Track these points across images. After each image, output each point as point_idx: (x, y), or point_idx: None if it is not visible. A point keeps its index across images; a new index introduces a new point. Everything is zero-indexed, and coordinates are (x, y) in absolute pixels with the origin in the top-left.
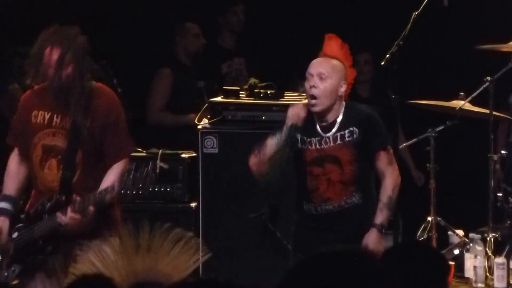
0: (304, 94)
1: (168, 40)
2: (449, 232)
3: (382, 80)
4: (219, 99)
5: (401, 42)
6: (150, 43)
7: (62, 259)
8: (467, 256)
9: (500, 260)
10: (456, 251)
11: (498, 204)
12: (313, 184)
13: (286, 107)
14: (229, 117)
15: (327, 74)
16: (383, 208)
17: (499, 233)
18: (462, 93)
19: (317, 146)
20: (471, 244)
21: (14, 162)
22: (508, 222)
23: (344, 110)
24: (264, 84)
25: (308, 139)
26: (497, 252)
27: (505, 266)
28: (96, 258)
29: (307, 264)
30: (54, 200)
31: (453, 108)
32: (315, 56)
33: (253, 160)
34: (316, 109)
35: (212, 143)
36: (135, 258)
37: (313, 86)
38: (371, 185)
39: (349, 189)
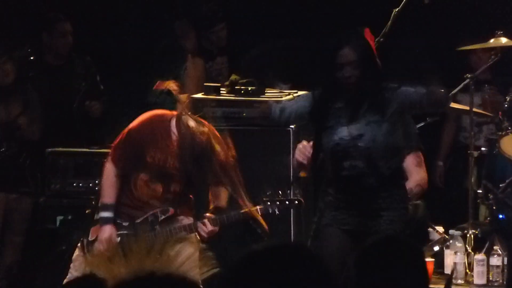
0: (286, 91)
1: (154, 42)
2: (429, 229)
3: None
4: (200, 95)
5: (381, 39)
6: (137, 43)
7: None
8: (447, 252)
9: (480, 256)
10: (436, 248)
11: (478, 201)
12: None
13: (266, 103)
14: (210, 113)
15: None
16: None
17: (479, 230)
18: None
19: None
20: (451, 241)
21: (113, 174)
22: (488, 218)
23: None
24: (245, 80)
25: None
26: (477, 248)
27: (485, 263)
28: (108, 253)
29: (247, 260)
30: (169, 214)
31: None
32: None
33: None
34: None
35: None
36: (145, 259)
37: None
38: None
39: None
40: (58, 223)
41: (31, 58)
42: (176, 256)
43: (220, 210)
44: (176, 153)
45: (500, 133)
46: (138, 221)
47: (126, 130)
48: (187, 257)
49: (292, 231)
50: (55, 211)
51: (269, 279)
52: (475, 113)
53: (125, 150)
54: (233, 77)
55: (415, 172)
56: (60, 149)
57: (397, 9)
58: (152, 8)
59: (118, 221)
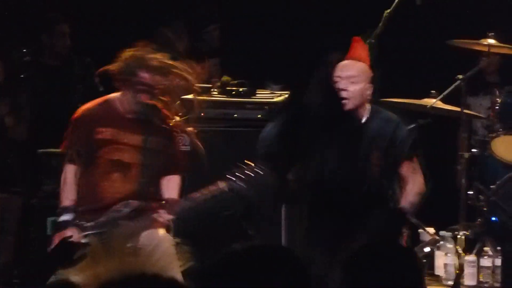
0: (277, 92)
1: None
2: (420, 230)
3: None
4: (191, 96)
5: (373, 40)
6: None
7: None
8: (438, 254)
9: (471, 258)
10: (427, 249)
11: (469, 202)
12: None
13: (258, 104)
14: (202, 114)
15: (357, 78)
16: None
17: (470, 231)
18: (434, 91)
19: None
20: (442, 242)
21: (72, 173)
22: (479, 220)
23: (370, 113)
24: (236, 81)
25: None
26: (467, 250)
27: (476, 264)
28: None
29: (226, 258)
30: (133, 207)
31: (425, 106)
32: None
33: None
34: (347, 107)
35: (184, 141)
36: (124, 260)
37: (343, 89)
38: (394, 186)
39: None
40: (49, 224)
41: (27, 58)
42: (153, 252)
43: (174, 203)
44: (126, 125)
45: (491, 135)
46: (102, 219)
47: (70, 120)
48: (163, 252)
49: (283, 234)
50: (48, 212)
51: (245, 278)
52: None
53: (73, 135)
54: (224, 78)
55: (411, 180)
56: (53, 150)
57: (388, 10)
58: (151, 9)
59: (81, 223)
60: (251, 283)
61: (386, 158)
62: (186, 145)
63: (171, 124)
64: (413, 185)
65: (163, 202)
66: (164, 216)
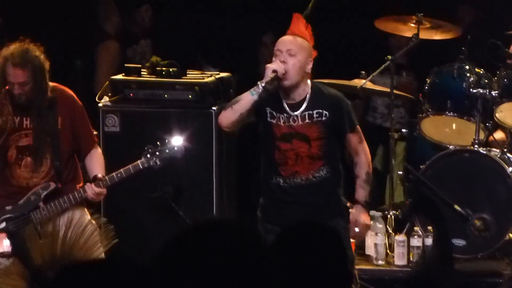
0: (208, 73)
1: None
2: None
3: None
4: (120, 76)
5: None
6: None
7: None
8: (368, 233)
9: (401, 237)
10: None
11: (399, 182)
12: (282, 158)
13: (188, 85)
14: (131, 95)
15: (296, 51)
16: (363, 184)
17: (399, 211)
18: (363, 72)
19: (286, 123)
20: (372, 222)
21: None
22: (408, 200)
23: (311, 90)
24: (166, 62)
25: (277, 115)
26: (397, 229)
27: (405, 244)
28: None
29: (185, 236)
30: (51, 188)
31: (355, 87)
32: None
33: (225, 114)
34: (286, 83)
35: (113, 122)
36: (56, 243)
37: (283, 61)
38: (337, 160)
39: (317, 163)
40: None
41: None
42: (81, 234)
43: (100, 179)
44: (29, 110)
45: (420, 115)
46: (20, 202)
47: None
48: (91, 234)
49: (214, 214)
50: None
51: (210, 253)
52: (388, 95)
53: None
54: (154, 58)
55: (361, 151)
56: None
57: None
58: None
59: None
60: (213, 257)
61: (332, 132)
62: (115, 126)
63: (73, 103)
64: (364, 156)
65: (93, 178)
66: (94, 189)
